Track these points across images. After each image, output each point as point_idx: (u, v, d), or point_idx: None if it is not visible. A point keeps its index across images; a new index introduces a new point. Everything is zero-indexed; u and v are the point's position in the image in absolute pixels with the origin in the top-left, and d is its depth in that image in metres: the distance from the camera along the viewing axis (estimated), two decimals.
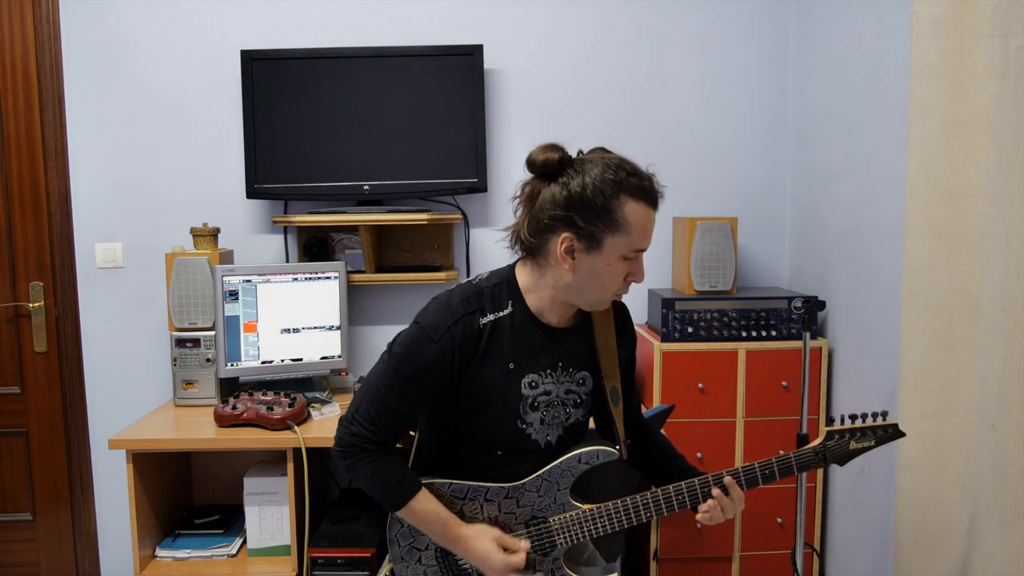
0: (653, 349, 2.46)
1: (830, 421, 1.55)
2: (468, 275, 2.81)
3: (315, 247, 2.77)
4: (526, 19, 2.77)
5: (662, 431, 1.72)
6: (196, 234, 2.61)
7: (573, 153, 1.42)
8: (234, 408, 2.31)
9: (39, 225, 2.77)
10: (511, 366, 1.42)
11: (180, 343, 2.53)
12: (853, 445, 1.51)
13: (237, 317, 2.52)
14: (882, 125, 2.22)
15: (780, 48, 2.81)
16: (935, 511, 1.80)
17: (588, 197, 1.34)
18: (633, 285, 1.48)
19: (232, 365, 2.51)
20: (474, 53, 2.64)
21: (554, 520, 1.48)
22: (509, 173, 2.81)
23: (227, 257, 2.67)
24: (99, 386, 2.83)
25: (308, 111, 2.64)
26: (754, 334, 2.48)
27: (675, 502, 1.47)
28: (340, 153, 2.65)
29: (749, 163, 2.85)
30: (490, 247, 2.82)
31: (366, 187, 2.65)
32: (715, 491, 1.46)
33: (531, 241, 1.40)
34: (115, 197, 2.78)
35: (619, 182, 1.36)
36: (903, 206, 1.87)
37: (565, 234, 1.36)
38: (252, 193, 2.67)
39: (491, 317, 1.41)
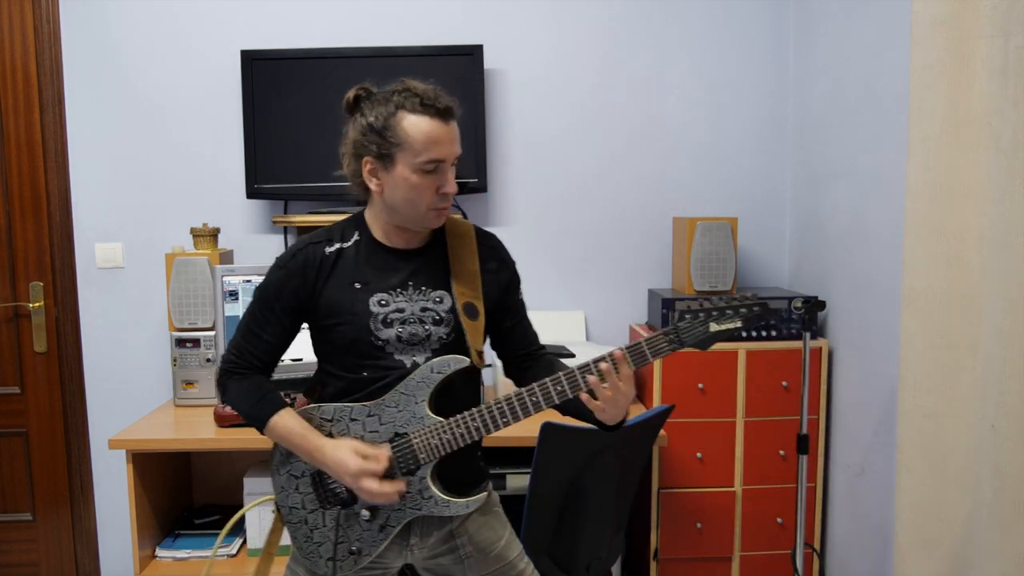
0: None
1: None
2: None
3: None
4: (526, 19, 2.77)
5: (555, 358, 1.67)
6: (196, 234, 2.61)
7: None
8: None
9: (39, 225, 2.77)
10: (357, 286, 1.52)
11: (180, 343, 2.53)
12: (714, 327, 1.42)
13: (237, 317, 2.51)
14: (882, 125, 2.22)
15: (780, 48, 2.81)
16: (935, 511, 1.80)
17: (372, 122, 1.47)
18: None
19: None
20: (474, 53, 2.64)
21: (414, 434, 1.50)
22: (509, 173, 2.81)
23: (227, 257, 2.67)
24: (99, 386, 2.83)
25: (308, 111, 2.64)
26: (754, 334, 2.48)
27: (529, 402, 1.46)
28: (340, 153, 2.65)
29: (749, 163, 2.85)
30: None
31: None
32: (591, 379, 1.43)
33: (349, 173, 1.54)
34: (115, 197, 2.78)
35: (398, 102, 1.47)
36: (903, 206, 1.87)
37: (366, 158, 1.49)
38: (252, 193, 2.67)
39: (337, 246, 1.55)
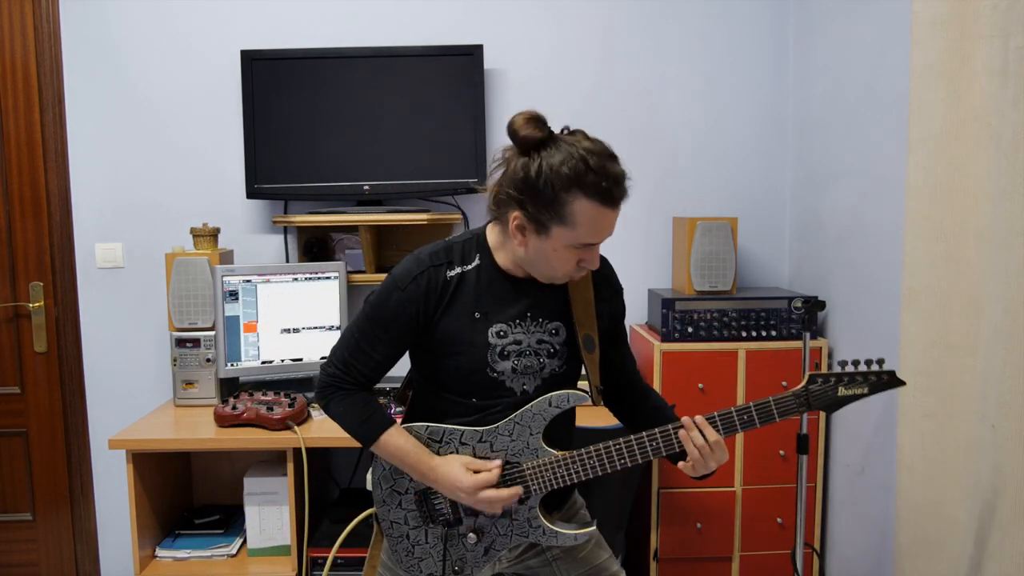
0: (653, 349, 2.46)
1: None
2: None
3: (315, 247, 2.77)
4: (526, 19, 2.77)
5: (664, 399, 1.68)
6: (196, 234, 2.61)
7: (558, 128, 1.45)
8: (234, 408, 2.31)
9: (39, 225, 2.77)
10: (476, 315, 1.46)
11: (180, 343, 2.53)
12: (842, 391, 1.42)
13: (237, 317, 2.52)
14: (882, 125, 2.22)
15: (780, 48, 2.81)
16: (935, 511, 1.80)
17: (540, 186, 1.35)
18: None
19: (232, 365, 2.51)
20: (474, 53, 2.64)
21: (527, 466, 1.48)
22: None
23: (227, 257, 2.67)
24: (99, 386, 2.83)
25: (308, 111, 2.64)
26: (754, 334, 2.48)
27: (649, 448, 1.46)
28: (340, 153, 2.65)
29: (749, 163, 2.85)
30: None
31: (366, 187, 2.65)
32: (682, 433, 1.45)
33: (493, 208, 1.47)
34: (115, 197, 2.78)
35: (575, 177, 1.34)
36: (903, 206, 1.87)
37: (516, 212, 1.39)
38: (252, 193, 2.67)
39: (459, 270, 1.47)
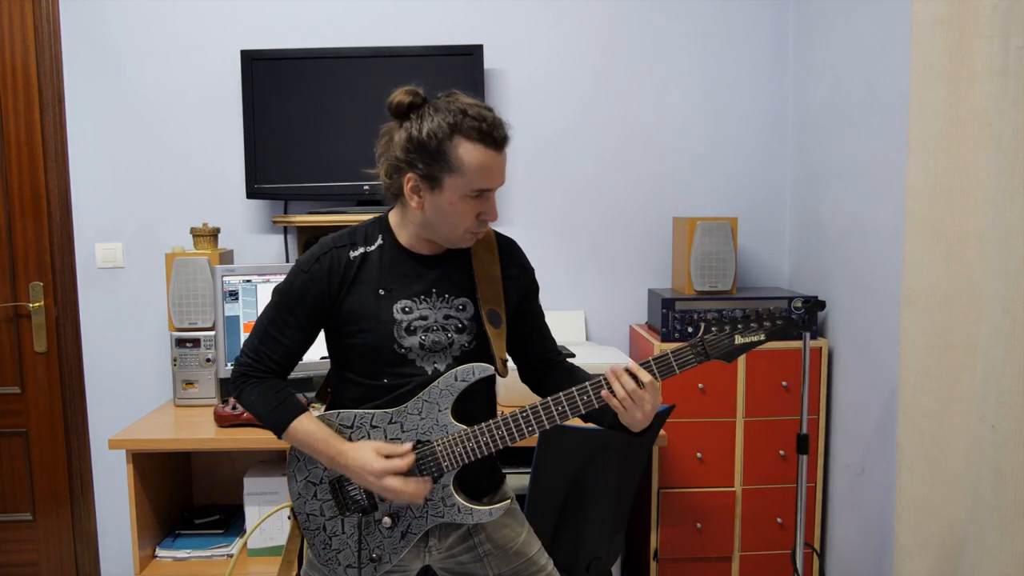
0: (653, 349, 2.46)
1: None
2: None
3: None
4: (526, 19, 2.77)
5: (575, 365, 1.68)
6: (196, 234, 2.61)
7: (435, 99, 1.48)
8: (234, 408, 2.31)
9: (39, 225, 2.77)
10: (381, 292, 1.49)
11: (180, 343, 2.53)
12: (739, 339, 1.43)
13: (237, 317, 2.51)
14: (882, 125, 2.22)
15: (780, 48, 2.81)
16: (935, 511, 1.80)
17: (424, 140, 1.41)
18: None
19: (232, 365, 2.51)
20: (474, 53, 2.64)
21: (437, 442, 1.48)
22: (509, 173, 2.79)
23: (227, 257, 2.68)
24: (99, 386, 2.83)
25: (308, 111, 2.64)
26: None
27: (557, 410, 1.46)
28: (340, 153, 2.65)
29: (749, 163, 2.85)
30: None
31: (366, 187, 2.65)
32: (609, 376, 1.43)
33: (387, 181, 1.50)
34: (115, 197, 2.78)
35: (455, 125, 1.40)
36: (903, 206, 1.87)
37: (409, 174, 1.44)
38: (252, 193, 2.67)
39: (361, 250, 1.51)
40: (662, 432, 2.22)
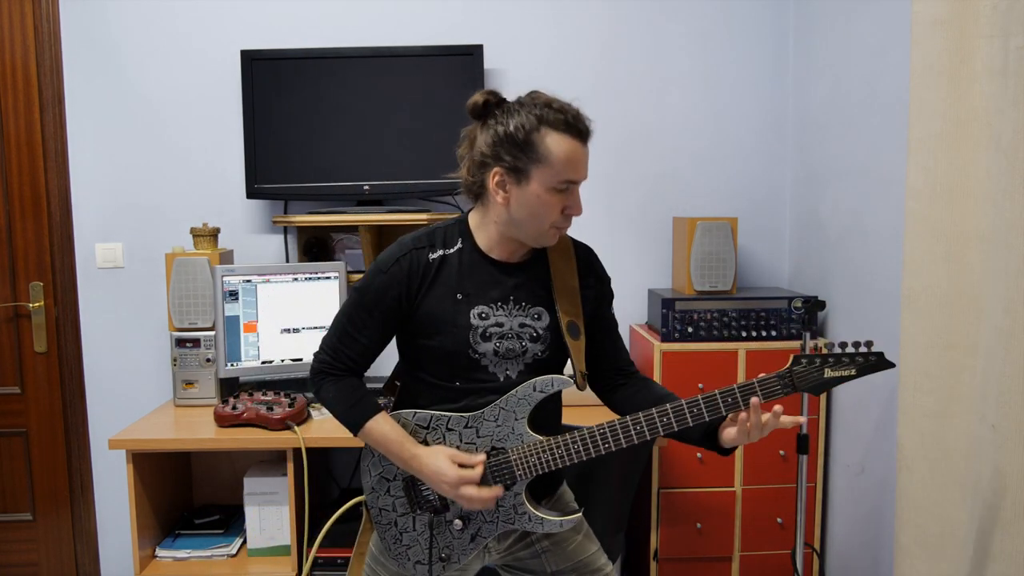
0: (653, 349, 2.46)
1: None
2: None
3: (315, 247, 2.76)
4: (526, 19, 2.77)
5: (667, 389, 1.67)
6: (196, 234, 2.61)
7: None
8: (234, 408, 2.31)
9: (39, 225, 2.77)
10: (459, 296, 1.49)
11: (180, 343, 2.53)
12: (829, 373, 1.41)
13: (237, 317, 2.51)
14: (882, 125, 2.22)
15: (780, 48, 2.81)
16: (935, 511, 1.80)
17: (512, 133, 1.42)
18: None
19: (232, 365, 2.51)
20: (474, 53, 2.64)
21: (512, 451, 1.49)
22: None
23: (227, 257, 2.68)
24: (99, 386, 2.83)
25: (308, 111, 2.64)
26: (754, 334, 2.48)
27: (633, 431, 1.46)
28: (340, 153, 2.65)
29: (749, 163, 2.85)
30: None
31: (366, 187, 2.65)
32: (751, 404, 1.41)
33: (470, 180, 1.50)
34: (115, 197, 2.78)
35: (540, 117, 1.42)
36: (903, 206, 1.87)
37: (495, 169, 1.45)
38: (252, 193, 2.67)
39: (440, 252, 1.51)
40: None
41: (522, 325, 1.51)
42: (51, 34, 2.71)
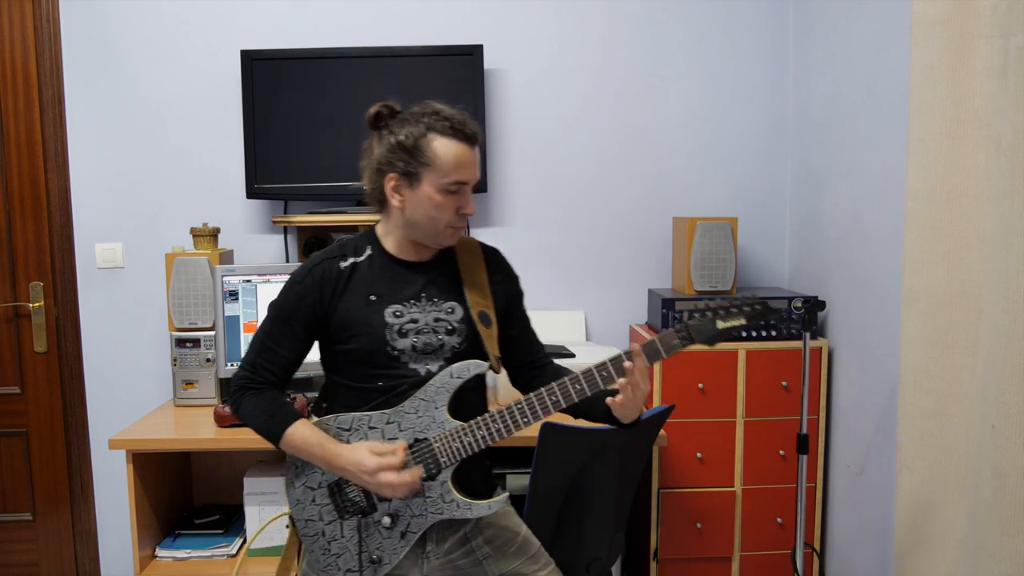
0: None
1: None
2: None
3: (315, 247, 2.76)
4: (526, 19, 2.77)
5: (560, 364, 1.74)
6: (196, 234, 2.61)
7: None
8: None
9: (39, 225, 2.77)
10: (372, 298, 1.56)
11: (180, 343, 2.53)
12: (720, 324, 1.51)
13: (237, 317, 2.51)
14: (882, 125, 2.22)
15: (780, 48, 2.81)
16: (935, 511, 1.80)
17: (402, 141, 1.51)
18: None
19: (232, 365, 2.51)
20: (474, 53, 2.64)
21: (435, 439, 1.53)
22: (509, 173, 2.81)
23: (227, 257, 2.67)
24: (99, 386, 2.83)
25: (308, 111, 2.64)
26: (754, 334, 2.48)
27: (549, 401, 1.50)
28: (340, 153, 2.65)
29: (749, 163, 2.85)
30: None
31: (366, 187, 2.65)
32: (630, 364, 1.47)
33: (371, 188, 1.58)
34: (115, 197, 2.78)
35: (428, 125, 1.51)
36: (903, 206, 1.87)
37: (390, 175, 1.53)
38: (252, 193, 2.67)
39: (351, 260, 1.59)
40: (662, 432, 2.22)
41: (437, 319, 1.57)
42: (51, 34, 2.71)
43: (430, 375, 1.55)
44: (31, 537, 2.85)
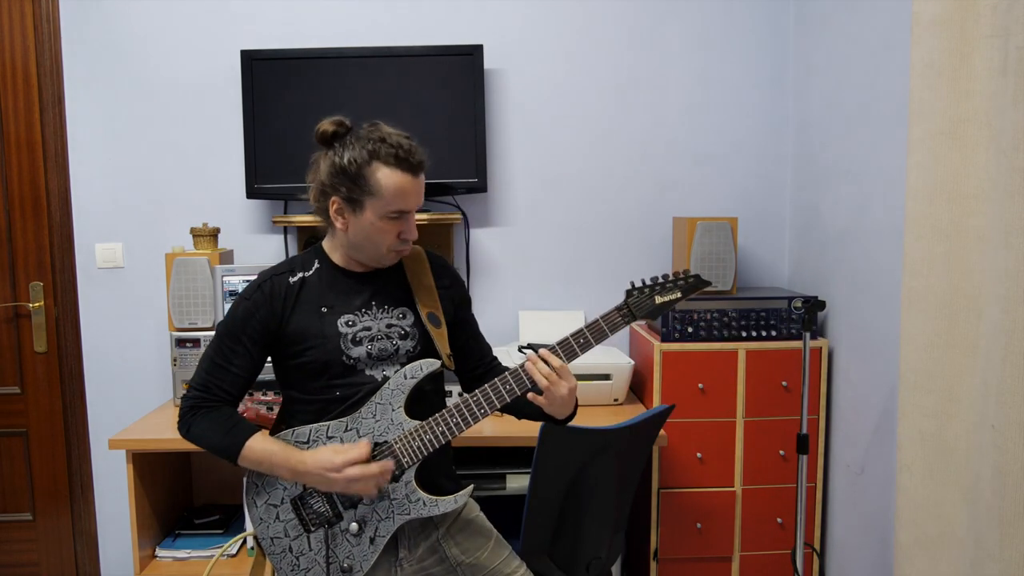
0: (653, 349, 2.46)
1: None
2: (468, 275, 2.81)
3: None
4: (526, 19, 2.77)
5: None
6: (196, 234, 2.61)
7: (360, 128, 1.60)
8: None
9: (39, 225, 2.77)
10: (323, 309, 1.57)
11: (180, 343, 2.53)
12: (659, 299, 1.57)
13: None
14: (882, 125, 2.22)
15: (780, 48, 2.81)
16: (935, 511, 1.80)
17: (346, 166, 1.51)
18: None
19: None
20: (474, 53, 2.64)
21: (395, 440, 1.53)
22: (509, 173, 2.81)
23: (227, 257, 2.68)
24: (99, 386, 2.83)
25: (308, 111, 2.64)
26: (754, 334, 2.48)
27: (503, 390, 1.53)
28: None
29: (749, 163, 2.85)
30: (490, 247, 2.82)
31: None
32: (527, 366, 1.51)
33: (316, 205, 1.59)
34: (115, 197, 2.78)
35: (373, 152, 1.51)
36: (903, 206, 1.87)
37: (334, 198, 1.54)
38: (252, 193, 2.67)
39: (300, 275, 1.60)
40: (662, 432, 2.22)
41: (389, 325, 1.59)
42: (51, 34, 2.71)
43: (386, 380, 1.56)
44: (31, 537, 2.85)
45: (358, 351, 1.55)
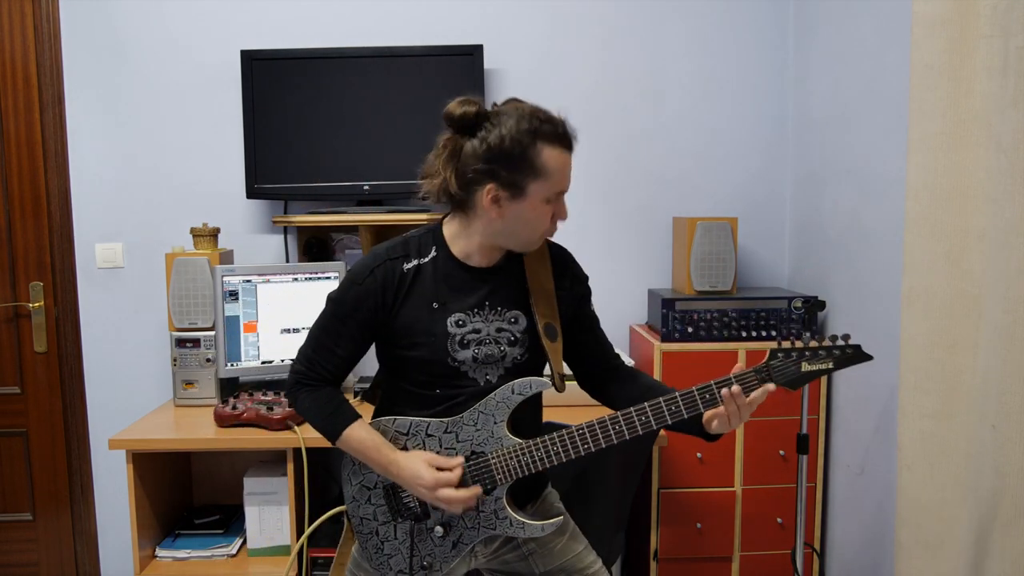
0: (653, 349, 2.46)
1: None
2: None
3: (315, 247, 2.76)
4: (526, 19, 2.77)
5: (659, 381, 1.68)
6: (196, 234, 2.61)
7: (488, 107, 1.48)
8: (234, 408, 2.31)
9: (39, 225, 2.77)
10: (435, 305, 1.49)
11: (180, 343, 2.53)
12: (806, 367, 1.43)
13: (237, 317, 2.51)
14: (882, 125, 2.22)
15: (780, 48, 2.81)
16: (935, 511, 1.80)
17: (507, 148, 1.40)
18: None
19: (232, 365, 2.51)
20: (474, 53, 2.64)
21: (492, 454, 1.49)
22: None
23: (227, 257, 2.67)
24: (99, 386, 2.83)
25: (308, 111, 2.64)
26: (754, 334, 2.48)
27: (612, 431, 1.45)
28: (340, 153, 2.65)
29: (749, 163, 2.85)
30: None
31: (366, 187, 2.65)
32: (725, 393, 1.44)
33: (459, 195, 1.46)
34: (115, 197, 2.78)
35: (534, 131, 1.40)
36: (903, 206, 1.87)
37: (490, 185, 1.42)
38: (252, 193, 2.67)
39: (415, 262, 1.50)
40: (662, 432, 2.22)
41: (499, 330, 1.51)
42: (51, 34, 2.71)
43: (489, 385, 1.50)
44: (31, 537, 2.85)
45: (464, 354, 1.49)
